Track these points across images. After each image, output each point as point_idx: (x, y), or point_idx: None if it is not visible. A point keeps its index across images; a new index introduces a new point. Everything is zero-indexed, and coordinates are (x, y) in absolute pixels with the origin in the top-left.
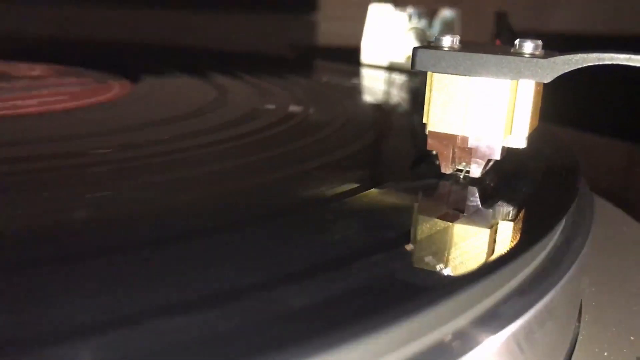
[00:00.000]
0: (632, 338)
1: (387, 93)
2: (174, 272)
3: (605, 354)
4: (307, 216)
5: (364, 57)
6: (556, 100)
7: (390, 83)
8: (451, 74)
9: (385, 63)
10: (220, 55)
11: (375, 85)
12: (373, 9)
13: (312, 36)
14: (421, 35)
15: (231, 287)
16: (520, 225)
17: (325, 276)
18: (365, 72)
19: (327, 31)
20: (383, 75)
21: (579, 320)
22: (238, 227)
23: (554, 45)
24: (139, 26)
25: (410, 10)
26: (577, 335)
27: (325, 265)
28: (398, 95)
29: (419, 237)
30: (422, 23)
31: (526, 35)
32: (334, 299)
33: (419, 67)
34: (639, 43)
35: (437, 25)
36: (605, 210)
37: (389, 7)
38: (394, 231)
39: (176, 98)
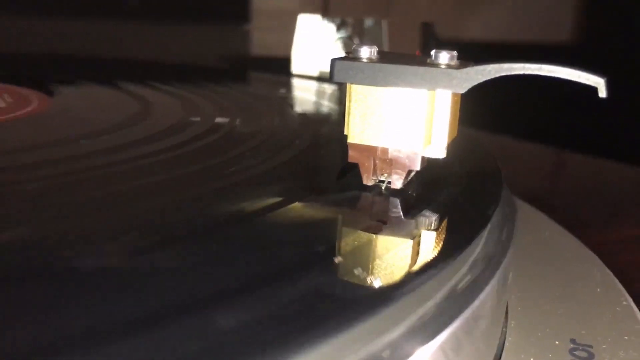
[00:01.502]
0: (557, 342)
1: (315, 103)
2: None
3: (532, 359)
4: (227, 233)
5: (295, 68)
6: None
7: (319, 93)
8: (369, 85)
9: (315, 73)
10: (150, 66)
11: (303, 95)
12: (302, 20)
13: (245, 47)
14: (349, 45)
15: (149, 311)
16: (443, 234)
17: (246, 295)
18: (294, 83)
19: (260, 42)
20: (312, 85)
21: (505, 326)
22: (156, 246)
23: (486, 53)
24: (64, 37)
25: (338, 20)
26: (504, 341)
27: (247, 283)
28: (326, 106)
29: (341, 250)
30: (350, 33)
31: (454, 44)
32: (257, 318)
33: (337, 78)
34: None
35: (365, 35)
36: (529, 215)
37: (317, 17)
38: (315, 245)
39: (97, 112)
